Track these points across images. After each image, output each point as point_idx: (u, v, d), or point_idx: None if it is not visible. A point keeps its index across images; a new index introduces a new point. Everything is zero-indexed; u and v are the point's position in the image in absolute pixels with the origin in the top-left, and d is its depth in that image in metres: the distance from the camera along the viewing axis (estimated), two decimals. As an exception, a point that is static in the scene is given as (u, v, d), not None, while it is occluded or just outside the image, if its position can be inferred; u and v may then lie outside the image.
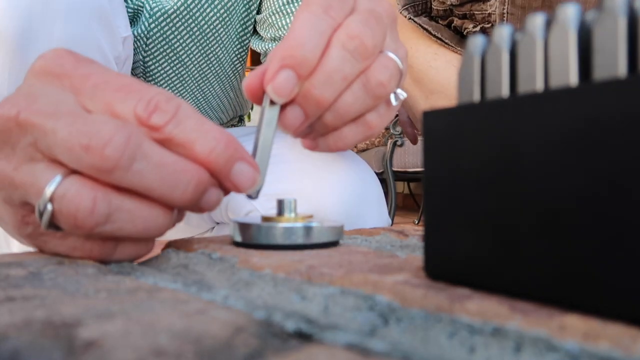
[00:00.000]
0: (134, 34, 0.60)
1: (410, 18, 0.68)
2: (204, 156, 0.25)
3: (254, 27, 0.70)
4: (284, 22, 0.65)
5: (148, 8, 0.59)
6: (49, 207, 0.24)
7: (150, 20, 0.60)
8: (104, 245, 0.26)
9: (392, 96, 0.33)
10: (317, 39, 0.29)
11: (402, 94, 0.34)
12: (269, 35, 0.66)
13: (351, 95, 0.31)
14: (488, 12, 0.63)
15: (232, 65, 0.70)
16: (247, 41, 0.70)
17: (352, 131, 0.33)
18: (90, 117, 0.24)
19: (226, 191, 0.27)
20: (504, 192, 0.18)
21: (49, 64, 0.26)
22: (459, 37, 0.67)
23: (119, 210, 0.24)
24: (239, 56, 0.71)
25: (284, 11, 0.65)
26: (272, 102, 0.30)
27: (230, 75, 0.71)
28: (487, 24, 0.63)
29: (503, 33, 0.19)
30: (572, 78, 0.17)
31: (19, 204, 0.26)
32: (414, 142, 0.92)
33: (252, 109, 0.85)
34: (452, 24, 0.67)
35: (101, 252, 0.26)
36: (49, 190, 0.23)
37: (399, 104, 0.34)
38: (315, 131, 0.33)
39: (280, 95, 0.29)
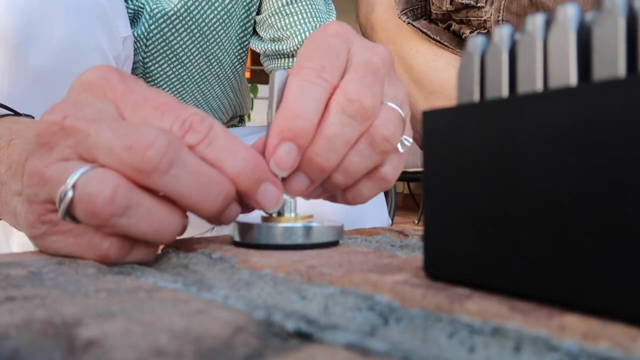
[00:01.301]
0: (133, 35, 0.60)
1: (409, 22, 0.68)
2: (232, 177, 0.26)
3: (254, 28, 0.70)
4: (283, 22, 0.65)
5: (148, 9, 0.59)
6: (70, 193, 0.24)
7: (150, 22, 0.60)
8: (122, 245, 0.26)
9: (398, 145, 0.32)
10: (312, 107, 0.28)
11: (407, 140, 0.33)
12: (268, 36, 0.66)
13: (357, 154, 0.30)
14: (483, 18, 0.63)
15: (232, 67, 0.70)
16: (246, 42, 0.70)
17: (369, 187, 0.33)
18: (132, 122, 0.25)
19: (249, 208, 0.29)
20: (503, 192, 0.18)
21: (95, 78, 0.27)
22: (458, 40, 0.67)
23: (138, 206, 0.24)
24: (238, 57, 0.71)
25: (284, 12, 0.65)
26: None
27: (231, 77, 0.71)
28: (483, 29, 0.63)
29: (503, 33, 0.19)
30: (572, 78, 0.17)
31: (41, 201, 0.26)
32: (421, 145, 0.92)
33: (252, 109, 0.85)
34: (451, 27, 0.67)
35: (118, 252, 0.26)
36: (73, 178, 0.24)
37: (406, 151, 0.34)
38: (327, 191, 0.32)
39: (283, 169, 0.29)
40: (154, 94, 0.27)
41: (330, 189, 0.32)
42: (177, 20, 0.61)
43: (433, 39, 0.67)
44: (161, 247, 0.32)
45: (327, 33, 0.31)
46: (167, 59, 0.63)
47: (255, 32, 0.70)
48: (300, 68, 0.29)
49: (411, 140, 0.34)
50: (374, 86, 0.30)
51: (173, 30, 0.61)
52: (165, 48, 0.62)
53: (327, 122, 0.29)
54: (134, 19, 0.60)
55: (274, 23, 0.65)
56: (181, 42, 0.62)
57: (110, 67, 0.28)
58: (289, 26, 0.64)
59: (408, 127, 0.34)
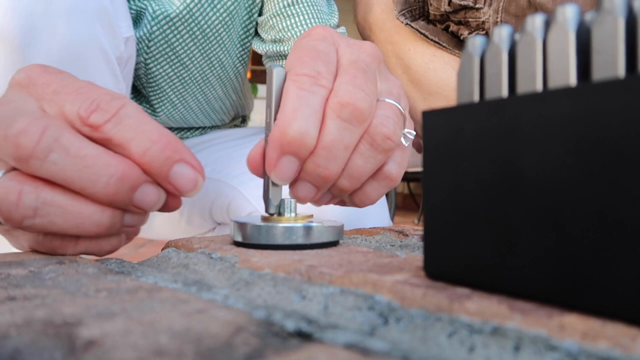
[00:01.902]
0: (135, 36, 0.60)
1: (407, 23, 0.68)
2: (138, 156, 0.25)
3: (256, 30, 0.70)
4: (284, 24, 0.64)
5: (150, 11, 0.59)
6: None
7: (153, 23, 0.60)
8: (62, 239, 0.26)
9: (402, 139, 0.32)
10: (312, 118, 0.28)
11: (410, 133, 0.33)
12: (269, 37, 0.66)
13: (360, 157, 0.30)
14: (482, 19, 0.63)
15: (234, 68, 0.70)
16: (249, 44, 0.70)
17: (374, 188, 0.32)
18: (23, 113, 0.25)
19: (176, 199, 0.28)
20: (503, 192, 0.18)
21: (21, 77, 0.28)
22: (457, 40, 0.67)
23: (49, 205, 0.24)
24: (241, 59, 0.71)
25: (285, 13, 0.65)
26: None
27: (232, 78, 0.71)
28: (482, 31, 0.63)
29: (502, 33, 0.19)
30: (571, 78, 0.17)
31: None
32: (420, 150, 0.92)
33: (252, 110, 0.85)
34: (449, 28, 0.67)
35: (62, 245, 0.27)
36: None
37: (410, 144, 0.33)
38: (335, 197, 0.32)
39: (285, 180, 0.29)
40: (72, 82, 0.27)
41: (337, 194, 0.32)
42: (180, 22, 0.61)
43: (431, 39, 0.67)
44: (161, 247, 0.32)
45: (312, 38, 0.31)
46: (168, 60, 0.63)
47: (257, 34, 0.70)
48: (296, 75, 0.29)
49: (414, 132, 0.33)
50: (366, 85, 0.29)
51: (175, 31, 0.61)
52: (167, 49, 0.62)
53: (324, 131, 0.28)
54: (136, 20, 0.60)
55: (275, 24, 0.65)
56: (183, 44, 0.62)
57: (35, 66, 0.28)
58: (290, 27, 0.64)
59: (409, 119, 0.34)
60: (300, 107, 0.28)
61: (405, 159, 0.33)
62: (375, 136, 0.30)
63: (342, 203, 0.34)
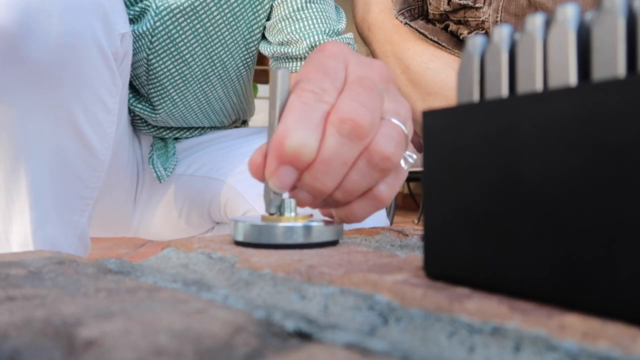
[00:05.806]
0: (139, 31, 0.60)
1: (406, 23, 0.68)
2: None
3: (262, 34, 0.70)
4: (293, 27, 0.64)
5: (154, 7, 0.60)
6: None
7: (156, 19, 0.60)
8: None
9: (401, 161, 0.32)
10: (312, 131, 0.28)
11: (411, 156, 0.33)
12: (277, 40, 0.66)
13: (357, 173, 0.30)
14: (482, 19, 0.63)
15: (237, 70, 0.70)
16: (254, 48, 0.70)
17: (362, 206, 0.33)
18: None
19: None
20: (503, 191, 0.18)
21: None
22: (456, 40, 0.67)
23: None
24: (244, 62, 0.70)
25: (294, 17, 0.65)
26: None
27: (235, 80, 0.71)
28: (481, 30, 0.63)
29: (502, 33, 0.19)
30: (572, 78, 0.17)
31: None
32: (420, 150, 0.92)
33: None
34: (449, 28, 0.67)
35: None
36: None
37: (409, 168, 0.33)
38: (329, 205, 0.33)
39: (282, 189, 0.29)
40: None
41: (332, 204, 0.32)
42: (182, 18, 0.61)
43: (430, 39, 0.67)
44: (160, 247, 0.32)
45: (324, 54, 0.31)
46: (170, 56, 0.63)
47: (263, 37, 0.70)
48: (301, 90, 0.29)
49: (415, 156, 0.33)
50: (369, 102, 0.29)
51: (178, 27, 0.61)
52: (169, 45, 0.62)
53: (323, 146, 0.28)
54: (140, 16, 0.60)
55: (283, 28, 0.65)
56: (185, 40, 0.62)
57: None
58: (298, 30, 0.64)
59: (410, 145, 0.34)
60: (302, 119, 0.28)
61: (399, 182, 0.33)
62: (374, 154, 0.30)
63: (330, 215, 0.34)
